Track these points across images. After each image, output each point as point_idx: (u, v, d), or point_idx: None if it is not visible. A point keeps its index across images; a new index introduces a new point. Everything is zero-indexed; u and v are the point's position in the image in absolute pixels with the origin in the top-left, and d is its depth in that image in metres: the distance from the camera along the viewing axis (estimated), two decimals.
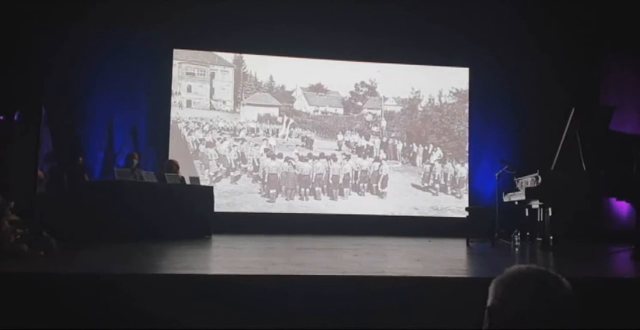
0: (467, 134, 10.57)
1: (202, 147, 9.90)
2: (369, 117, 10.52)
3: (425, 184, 10.38)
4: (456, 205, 10.13)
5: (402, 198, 10.27)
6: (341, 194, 10.15)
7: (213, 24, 9.51)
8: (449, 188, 10.40)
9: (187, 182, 8.11)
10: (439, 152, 10.50)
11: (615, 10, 8.91)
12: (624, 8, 8.75)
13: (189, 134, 9.92)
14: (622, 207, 8.67)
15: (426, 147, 10.51)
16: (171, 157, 9.25)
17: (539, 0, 9.33)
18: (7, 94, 7.89)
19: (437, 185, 10.39)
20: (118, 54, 9.30)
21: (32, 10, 8.63)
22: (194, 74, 10.10)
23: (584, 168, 6.50)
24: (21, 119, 6.61)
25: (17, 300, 3.22)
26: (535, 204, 7.15)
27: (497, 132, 10.26)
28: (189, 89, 10.03)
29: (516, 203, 7.50)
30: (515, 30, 9.54)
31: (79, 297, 3.27)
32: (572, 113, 6.77)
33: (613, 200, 7.98)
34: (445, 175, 10.43)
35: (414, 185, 10.35)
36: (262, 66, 10.29)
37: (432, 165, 10.46)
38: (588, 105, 8.68)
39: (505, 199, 7.73)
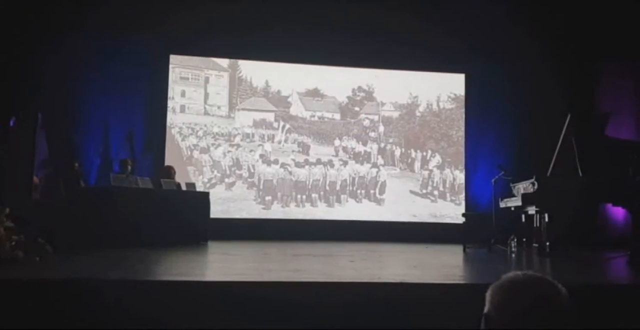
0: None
1: (196, 153, 9.87)
2: (366, 123, 10.52)
3: (424, 191, 10.36)
4: (455, 212, 10.00)
5: (400, 205, 10.23)
6: (338, 200, 10.12)
7: (209, 30, 9.51)
8: (447, 195, 10.38)
9: (183, 188, 8.09)
10: (437, 158, 10.49)
11: (610, 18, 8.96)
12: (618, 15, 8.80)
13: (183, 140, 9.88)
14: (618, 213, 8.69)
15: (424, 153, 10.50)
16: (165, 163, 9.23)
17: (534, 7, 9.38)
18: (2, 100, 7.87)
19: (435, 192, 10.37)
20: (114, 60, 9.29)
21: (28, 16, 8.63)
22: (187, 79, 10.07)
23: (580, 174, 6.51)
24: (16, 125, 6.59)
25: (12, 307, 3.20)
26: (532, 210, 7.15)
27: (494, 138, 10.27)
28: (183, 94, 10.00)
29: (512, 209, 7.50)
30: (511, 37, 9.58)
31: (75, 303, 3.25)
32: (568, 119, 6.79)
33: (609, 206, 8.00)
34: (444, 181, 10.41)
35: (412, 192, 10.33)
36: (258, 71, 10.27)
37: (431, 171, 10.44)
38: (584, 112, 8.72)
39: (502, 204, 7.73)
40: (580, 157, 6.59)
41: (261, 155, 10.08)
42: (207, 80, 10.14)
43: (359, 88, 10.54)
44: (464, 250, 7.27)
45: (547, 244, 6.50)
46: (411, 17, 9.53)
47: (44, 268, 4.38)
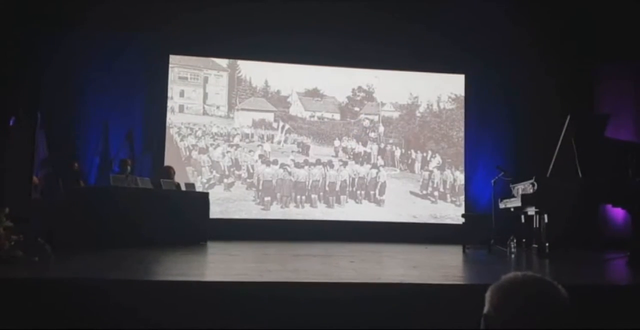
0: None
1: (194, 153, 9.85)
2: (366, 123, 10.51)
3: (424, 192, 10.34)
4: (455, 213, 9.93)
5: (400, 206, 10.21)
6: (338, 201, 10.11)
7: (209, 30, 9.51)
8: (448, 196, 10.36)
9: (183, 188, 8.10)
10: (437, 159, 10.47)
11: (609, 19, 8.97)
12: (618, 16, 8.81)
13: (182, 140, 9.86)
14: (618, 213, 8.69)
15: (425, 154, 10.48)
16: (164, 163, 9.23)
17: (533, 9, 9.38)
18: (2, 99, 7.87)
19: (436, 193, 10.35)
20: (114, 60, 9.29)
21: (28, 15, 8.63)
22: (186, 79, 10.05)
23: (580, 175, 6.51)
24: (16, 124, 6.59)
25: (11, 306, 3.20)
26: (531, 211, 7.15)
27: (493, 138, 10.27)
28: (182, 94, 9.99)
29: (512, 210, 7.49)
30: (511, 37, 9.58)
31: (74, 303, 3.25)
32: (567, 120, 6.79)
33: (609, 206, 8.01)
34: (445, 182, 10.39)
35: (412, 193, 10.30)
36: (257, 71, 10.25)
37: (431, 172, 10.42)
38: (583, 113, 8.72)
39: (502, 205, 7.72)
40: (580, 158, 6.59)
41: (260, 156, 10.07)
42: (206, 80, 10.13)
43: (359, 88, 10.53)
44: (464, 251, 7.27)
45: (547, 244, 6.50)
46: (411, 18, 9.53)
47: (43, 268, 4.38)
